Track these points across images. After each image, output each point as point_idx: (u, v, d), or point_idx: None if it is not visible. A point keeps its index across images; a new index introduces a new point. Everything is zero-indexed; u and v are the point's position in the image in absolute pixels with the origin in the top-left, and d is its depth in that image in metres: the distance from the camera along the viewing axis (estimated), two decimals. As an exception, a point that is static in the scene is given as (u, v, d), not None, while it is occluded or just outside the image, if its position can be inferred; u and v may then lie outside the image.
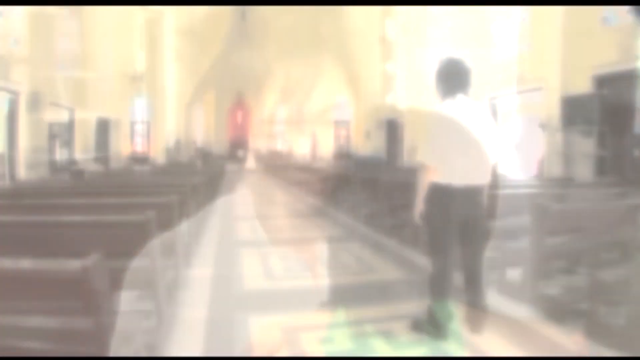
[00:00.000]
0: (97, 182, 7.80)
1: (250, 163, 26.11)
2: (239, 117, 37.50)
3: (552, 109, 9.52)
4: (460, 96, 2.93)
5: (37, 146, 10.68)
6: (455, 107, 2.92)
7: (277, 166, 22.55)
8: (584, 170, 8.62)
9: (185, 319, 3.36)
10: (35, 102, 10.43)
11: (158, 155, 25.18)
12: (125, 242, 2.93)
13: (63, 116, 13.19)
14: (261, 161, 31.29)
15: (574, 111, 8.57)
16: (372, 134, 22.35)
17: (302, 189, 12.94)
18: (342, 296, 3.90)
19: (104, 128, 16.77)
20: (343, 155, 30.31)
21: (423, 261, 4.25)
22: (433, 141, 2.91)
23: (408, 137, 18.04)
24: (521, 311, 3.53)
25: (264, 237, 6.90)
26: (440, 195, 2.93)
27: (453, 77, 2.92)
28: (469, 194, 2.93)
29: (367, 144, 24.36)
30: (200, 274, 4.53)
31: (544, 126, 9.84)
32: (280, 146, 39.11)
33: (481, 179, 2.99)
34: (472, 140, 2.88)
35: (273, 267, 5.02)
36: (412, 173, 3.18)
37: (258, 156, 32.09)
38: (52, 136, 11.41)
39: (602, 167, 8.32)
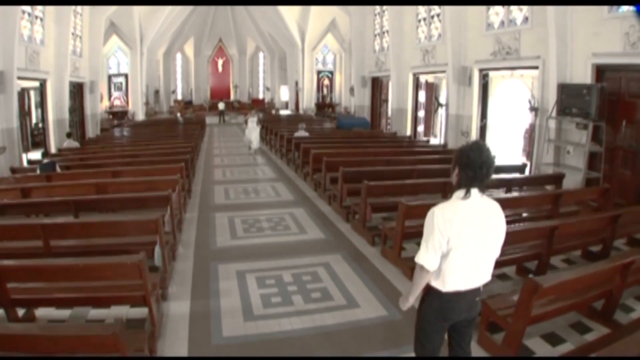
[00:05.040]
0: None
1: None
2: (220, 65, 36.09)
3: (548, 94, 9.22)
4: (475, 192, 2.61)
5: (7, 128, 10.10)
6: (468, 206, 2.59)
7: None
8: (576, 162, 8.50)
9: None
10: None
11: (137, 109, 24.30)
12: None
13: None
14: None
15: (570, 100, 8.28)
16: (357, 91, 21.68)
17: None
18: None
19: (78, 91, 15.92)
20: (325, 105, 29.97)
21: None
22: (437, 242, 2.57)
23: (393, 99, 17.56)
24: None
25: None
26: (439, 304, 2.74)
27: (474, 168, 2.56)
28: (468, 298, 2.74)
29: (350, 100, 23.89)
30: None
31: (536, 110, 9.57)
32: (262, 95, 38.24)
33: (482, 281, 2.77)
34: (480, 244, 2.63)
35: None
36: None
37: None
38: (23, 114, 10.84)
39: (595, 161, 8.20)
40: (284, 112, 32.93)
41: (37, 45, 12.80)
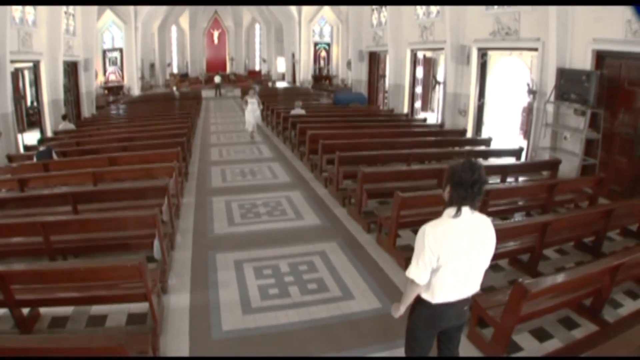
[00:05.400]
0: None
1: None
2: (215, 37, 35.48)
3: (547, 77, 9.14)
4: (465, 210, 2.63)
5: (1, 113, 9.99)
6: (458, 225, 2.63)
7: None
8: (573, 147, 8.51)
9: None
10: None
11: (133, 84, 24.00)
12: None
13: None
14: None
15: (569, 86, 8.21)
16: (354, 65, 21.44)
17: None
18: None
19: (72, 70, 15.69)
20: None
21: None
22: (427, 259, 2.65)
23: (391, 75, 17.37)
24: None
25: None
26: (428, 314, 2.86)
27: (466, 187, 2.57)
28: (456, 308, 2.86)
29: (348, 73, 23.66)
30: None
31: (534, 93, 9.52)
32: (258, 66, 37.79)
33: (471, 292, 2.88)
34: (469, 260, 2.71)
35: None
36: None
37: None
38: (18, 98, 10.67)
39: (591, 147, 8.20)
40: (280, 84, 32.66)
41: (29, 26, 12.52)
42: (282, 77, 34.79)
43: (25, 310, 4.07)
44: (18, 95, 12.64)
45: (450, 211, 2.65)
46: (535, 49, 9.72)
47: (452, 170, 2.62)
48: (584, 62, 8.22)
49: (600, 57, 8.03)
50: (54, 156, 8.20)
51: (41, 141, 9.19)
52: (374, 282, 5.26)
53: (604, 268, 3.79)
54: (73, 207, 5.74)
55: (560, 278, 3.56)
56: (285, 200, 8.24)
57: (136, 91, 24.42)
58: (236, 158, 11.85)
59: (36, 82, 12.83)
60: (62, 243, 4.89)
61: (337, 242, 6.39)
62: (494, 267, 5.46)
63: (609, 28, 7.59)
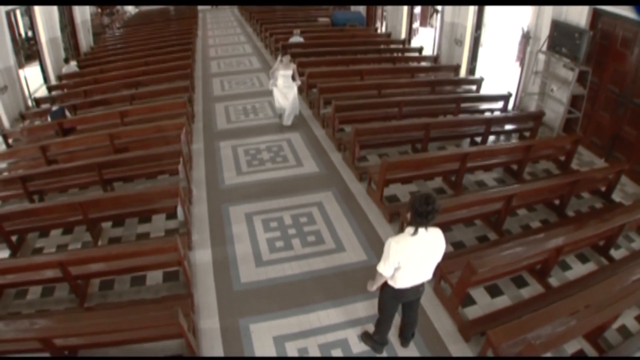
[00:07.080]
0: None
1: None
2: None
3: (542, 23, 9.28)
4: (422, 230, 3.48)
5: (4, 67, 10.30)
6: (415, 241, 3.50)
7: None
8: (560, 95, 8.88)
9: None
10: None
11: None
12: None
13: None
14: None
15: (562, 39, 8.41)
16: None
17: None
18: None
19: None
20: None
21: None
22: (391, 262, 3.56)
23: None
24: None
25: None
26: (392, 293, 3.88)
27: (422, 216, 3.39)
28: (414, 288, 3.86)
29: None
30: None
31: (528, 38, 9.71)
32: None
33: (425, 279, 3.86)
34: (423, 263, 3.63)
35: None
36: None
37: None
38: (17, 50, 10.71)
39: (577, 99, 8.55)
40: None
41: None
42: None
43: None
44: (17, 47, 12.60)
45: (410, 230, 3.55)
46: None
47: (413, 202, 3.46)
48: (579, 16, 8.24)
49: (597, 15, 8.03)
50: (67, 114, 8.84)
51: (53, 100, 9.64)
52: (362, 235, 6.22)
53: (549, 247, 4.70)
54: (98, 172, 6.62)
55: (507, 257, 4.48)
56: (286, 144, 8.96)
57: (130, 6, 23.68)
58: (238, 92, 12.24)
59: (32, 25, 12.69)
60: (97, 212, 5.83)
61: (332, 192, 7.26)
62: (466, 223, 6.41)
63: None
